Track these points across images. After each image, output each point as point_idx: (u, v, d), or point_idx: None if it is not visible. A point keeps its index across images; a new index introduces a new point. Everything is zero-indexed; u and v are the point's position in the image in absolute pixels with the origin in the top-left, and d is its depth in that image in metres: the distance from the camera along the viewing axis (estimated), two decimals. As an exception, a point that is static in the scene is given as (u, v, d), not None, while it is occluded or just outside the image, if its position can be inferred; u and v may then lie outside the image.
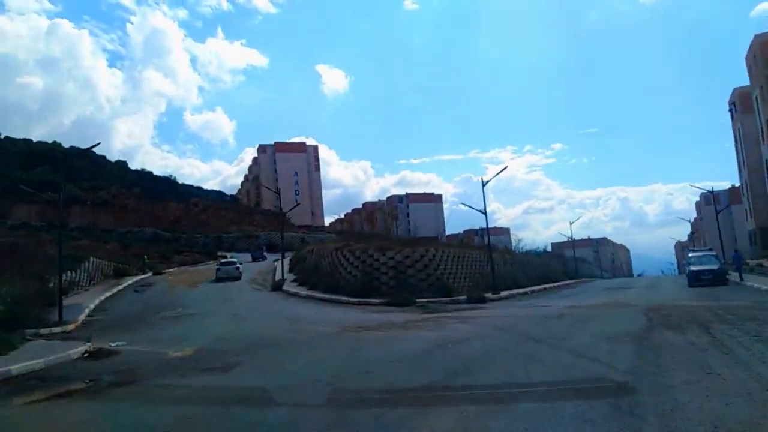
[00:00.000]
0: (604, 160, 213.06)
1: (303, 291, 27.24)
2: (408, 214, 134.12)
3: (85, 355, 11.54)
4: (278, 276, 34.36)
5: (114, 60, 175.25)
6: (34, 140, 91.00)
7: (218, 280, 34.97)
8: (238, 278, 35.42)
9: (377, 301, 22.63)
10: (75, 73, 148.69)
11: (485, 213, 26.21)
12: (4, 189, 76.87)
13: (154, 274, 41.67)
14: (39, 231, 66.02)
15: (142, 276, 39.29)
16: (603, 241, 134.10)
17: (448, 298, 23.30)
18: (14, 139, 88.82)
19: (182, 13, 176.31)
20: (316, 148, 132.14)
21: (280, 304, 23.70)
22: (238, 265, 38.46)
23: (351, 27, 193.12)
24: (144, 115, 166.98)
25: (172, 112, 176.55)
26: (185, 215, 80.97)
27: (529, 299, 25.77)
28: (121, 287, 31.71)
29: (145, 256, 44.93)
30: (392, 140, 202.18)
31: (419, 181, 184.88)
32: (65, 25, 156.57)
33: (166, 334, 15.65)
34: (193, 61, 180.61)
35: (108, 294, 28.41)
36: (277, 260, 47.17)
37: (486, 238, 31.53)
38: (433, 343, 10.98)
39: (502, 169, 26.59)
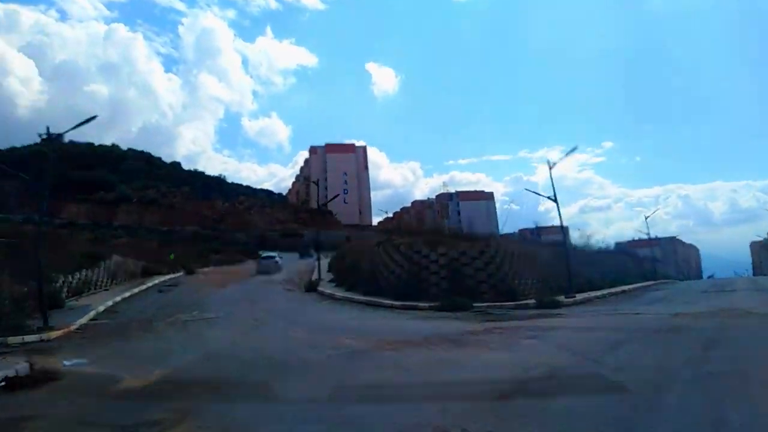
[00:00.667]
0: (659, 158, 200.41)
1: (339, 292, 23.53)
2: (459, 212, 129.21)
3: (2, 384, 8.01)
4: (315, 276, 30.83)
5: (169, 64, 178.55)
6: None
7: (259, 273, 37.08)
8: (278, 271, 37.75)
9: (425, 305, 18.60)
10: (134, 79, 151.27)
11: (556, 200, 21.66)
12: (59, 188, 77.56)
13: (187, 273, 39.03)
14: (83, 229, 65.84)
15: (172, 275, 36.65)
16: (671, 241, 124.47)
17: (513, 303, 18.99)
18: (77, 143, 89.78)
19: (231, 13, 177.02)
20: (364, 149, 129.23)
21: (310, 307, 20.06)
22: (277, 259, 41.08)
23: (400, 22, 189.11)
24: (204, 122, 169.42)
25: (231, 118, 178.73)
26: (230, 214, 79.25)
27: (611, 304, 21.04)
28: (145, 287, 28.94)
29: (171, 254, 42.29)
30: (441, 140, 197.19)
31: (468, 181, 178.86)
32: (121, 30, 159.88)
33: (156, 345, 12.25)
34: (245, 62, 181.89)
35: (127, 294, 25.58)
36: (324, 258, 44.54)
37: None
38: (504, 374, 6.94)
39: (572, 150, 21.79)
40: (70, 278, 24.80)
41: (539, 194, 24.28)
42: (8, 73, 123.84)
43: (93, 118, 15.66)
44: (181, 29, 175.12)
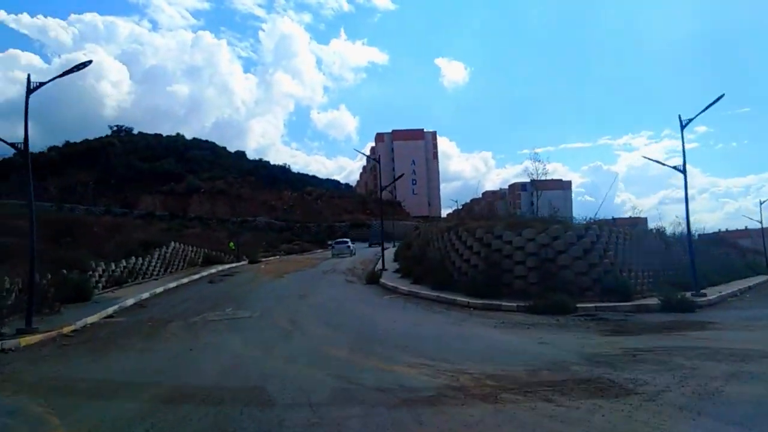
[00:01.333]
0: (759, 143, 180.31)
1: (404, 286, 19.50)
2: (533, 203, 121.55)
3: None
4: (379, 266, 27.02)
5: (248, 65, 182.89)
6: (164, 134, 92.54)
7: (333, 256, 39.11)
8: (351, 255, 39.54)
9: (511, 304, 14.20)
10: (215, 80, 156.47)
11: (684, 171, 16.42)
12: (133, 180, 78.54)
13: (250, 262, 36.52)
14: (161, 220, 65.75)
15: (234, 264, 34.13)
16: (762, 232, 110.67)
17: (628, 303, 14.19)
18: (145, 134, 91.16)
19: (307, 18, 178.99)
20: (434, 135, 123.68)
21: (366, 306, 16.10)
22: (349, 243, 42.85)
23: (468, 17, 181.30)
24: (275, 116, 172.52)
25: (300, 111, 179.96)
26: (298, 204, 77.22)
27: (758, 305, 15.74)
28: (197, 276, 26.23)
29: (231, 243, 39.84)
30: (514, 129, 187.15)
31: (543, 170, 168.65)
32: (206, 37, 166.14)
33: (128, 367, 8.63)
34: (318, 62, 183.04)
35: (173, 285, 22.81)
36: (391, 247, 41.59)
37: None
38: None
39: (718, 98, 16.34)
40: (113, 267, 22.38)
41: (663, 164, 18.97)
42: (102, 78, 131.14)
43: (88, 62, 12.63)
44: (261, 34, 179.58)
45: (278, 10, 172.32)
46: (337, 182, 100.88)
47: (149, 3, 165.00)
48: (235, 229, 62.15)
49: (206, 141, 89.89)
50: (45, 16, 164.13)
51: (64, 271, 18.19)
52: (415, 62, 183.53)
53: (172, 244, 29.57)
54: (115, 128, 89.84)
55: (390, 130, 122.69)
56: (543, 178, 36.58)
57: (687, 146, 17.08)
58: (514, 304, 14.13)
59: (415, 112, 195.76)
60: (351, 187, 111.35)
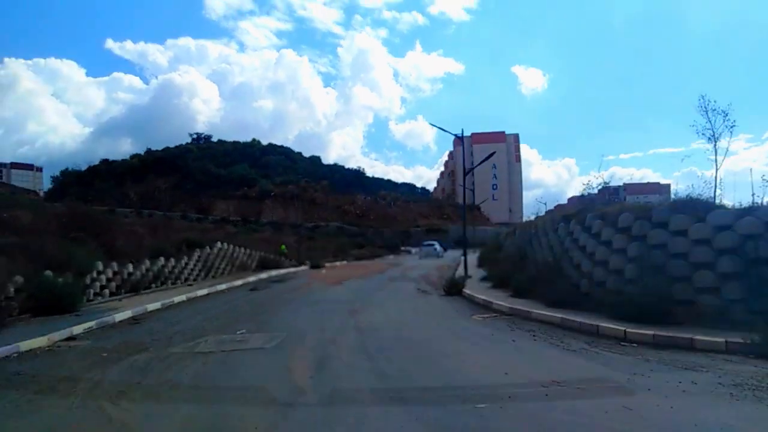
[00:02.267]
0: None
1: (501, 300, 13.23)
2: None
3: None
4: (460, 272, 20.91)
5: (328, 80, 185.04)
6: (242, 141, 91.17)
7: (421, 258, 39.06)
8: (439, 257, 39.84)
9: (715, 340, 7.64)
10: (297, 95, 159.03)
11: None
12: (208, 186, 76.94)
13: (313, 267, 31.53)
14: (234, 225, 63.03)
15: (289, 270, 29.19)
16: None
17: None
18: (223, 141, 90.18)
19: (383, 32, 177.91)
20: (516, 137, 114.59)
21: (445, 332, 10.02)
22: (436, 246, 43.64)
23: (545, 24, 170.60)
24: (355, 127, 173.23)
25: (379, 123, 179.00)
26: (372, 208, 72.27)
27: None
28: (240, 282, 21.34)
29: (283, 245, 34.96)
30: (599, 135, 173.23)
31: (632, 177, 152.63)
32: (289, 55, 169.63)
33: None
34: (395, 74, 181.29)
35: (203, 292, 17.93)
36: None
37: None
38: None
39: None
40: (130, 269, 17.81)
41: None
42: (194, 96, 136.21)
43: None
44: (340, 51, 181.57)
45: (355, 27, 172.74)
46: (412, 186, 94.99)
47: (237, 26, 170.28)
48: (305, 233, 58.27)
49: (281, 146, 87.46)
50: (145, 42, 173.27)
51: (49, 273, 13.63)
52: (492, 71, 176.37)
53: (218, 245, 24.98)
54: (194, 136, 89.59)
55: (469, 134, 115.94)
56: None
57: None
58: (721, 340, 7.57)
59: (494, 121, 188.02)
60: (427, 192, 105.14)
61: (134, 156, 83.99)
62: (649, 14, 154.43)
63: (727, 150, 14.87)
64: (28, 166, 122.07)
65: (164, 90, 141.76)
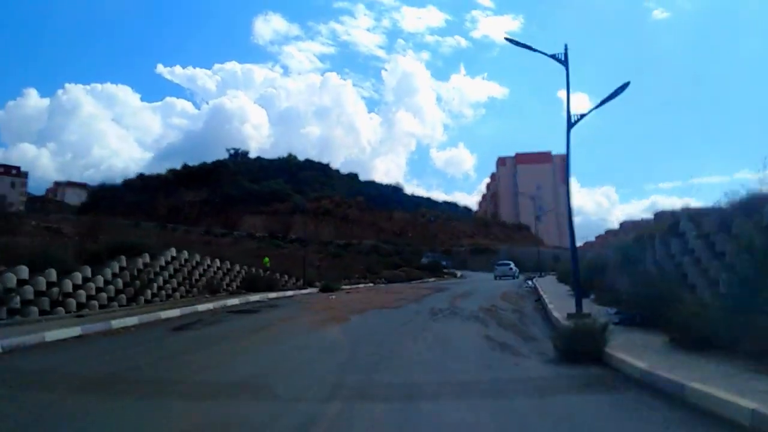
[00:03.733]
0: None
1: (695, 367, 3.26)
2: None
3: None
4: (551, 303, 11.01)
5: (371, 105, 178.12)
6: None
7: (496, 278, 35.87)
8: (514, 277, 35.42)
9: None
10: (342, 119, 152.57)
11: None
12: (239, 200, 69.32)
13: (323, 290, 22.00)
14: (259, 240, 54.84)
15: (283, 293, 19.65)
16: None
17: None
18: (262, 158, 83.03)
19: (425, 55, 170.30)
20: (564, 158, 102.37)
21: None
22: (512, 266, 39.68)
23: (593, 48, 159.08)
24: (398, 155, 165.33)
25: (421, 150, 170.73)
26: (411, 226, 62.58)
27: None
28: (174, 314, 12.00)
29: (266, 259, 25.17)
30: (641, 163, 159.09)
31: (673, 207, 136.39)
32: (333, 78, 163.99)
33: None
34: (438, 99, 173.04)
35: (72, 333, 8.74)
36: (533, 278, 26.92)
37: None
38: None
39: None
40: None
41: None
42: (245, 121, 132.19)
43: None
44: (383, 74, 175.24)
45: (398, 50, 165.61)
46: (454, 205, 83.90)
47: (281, 50, 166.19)
48: (334, 250, 49.31)
49: (318, 163, 79.16)
50: (194, 67, 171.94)
51: None
52: (536, 96, 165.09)
53: (169, 254, 15.81)
54: (232, 151, 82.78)
55: (513, 154, 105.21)
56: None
57: None
58: None
59: (536, 147, 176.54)
60: (470, 209, 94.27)
61: (170, 170, 77.71)
62: (690, 39, 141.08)
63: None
64: (81, 185, 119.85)
65: (215, 115, 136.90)
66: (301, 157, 78.26)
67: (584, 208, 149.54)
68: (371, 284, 29.04)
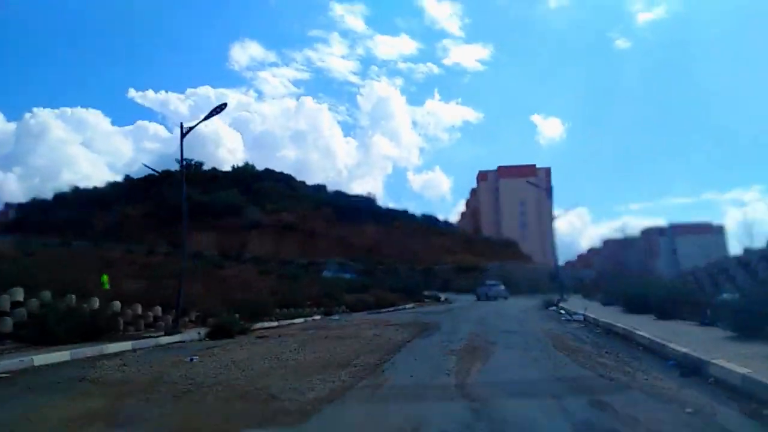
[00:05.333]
0: None
1: None
2: (675, 251, 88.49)
3: None
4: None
5: (347, 129, 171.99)
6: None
7: (485, 300, 31.68)
8: (505, 298, 31.57)
9: None
10: (318, 143, 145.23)
11: None
12: (188, 215, 58.45)
13: (214, 332, 11.53)
14: (209, 261, 44.14)
15: (115, 345, 9.33)
16: None
17: None
18: (217, 169, 72.23)
19: (399, 81, 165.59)
20: (548, 171, 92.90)
21: None
22: (501, 286, 35.34)
23: (564, 73, 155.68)
24: (374, 178, 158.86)
25: (398, 173, 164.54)
26: (385, 242, 52.53)
27: None
28: None
29: (105, 276, 14.35)
30: (611, 185, 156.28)
31: (643, 227, 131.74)
32: (308, 102, 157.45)
33: None
34: (414, 123, 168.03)
35: None
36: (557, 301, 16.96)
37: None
38: None
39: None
40: None
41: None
42: (220, 145, 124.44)
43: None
44: (359, 99, 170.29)
45: (372, 76, 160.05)
46: (434, 218, 72.45)
47: (256, 76, 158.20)
48: (294, 270, 39.10)
49: (280, 173, 68.53)
50: (166, 91, 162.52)
51: None
52: (510, 120, 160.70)
53: None
54: (184, 162, 71.79)
55: (495, 167, 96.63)
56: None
57: None
58: None
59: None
60: (450, 224, 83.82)
61: (109, 183, 66.62)
62: (661, 64, 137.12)
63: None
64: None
65: (189, 138, 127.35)
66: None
67: (557, 229, 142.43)
68: (318, 317, 18.63)
